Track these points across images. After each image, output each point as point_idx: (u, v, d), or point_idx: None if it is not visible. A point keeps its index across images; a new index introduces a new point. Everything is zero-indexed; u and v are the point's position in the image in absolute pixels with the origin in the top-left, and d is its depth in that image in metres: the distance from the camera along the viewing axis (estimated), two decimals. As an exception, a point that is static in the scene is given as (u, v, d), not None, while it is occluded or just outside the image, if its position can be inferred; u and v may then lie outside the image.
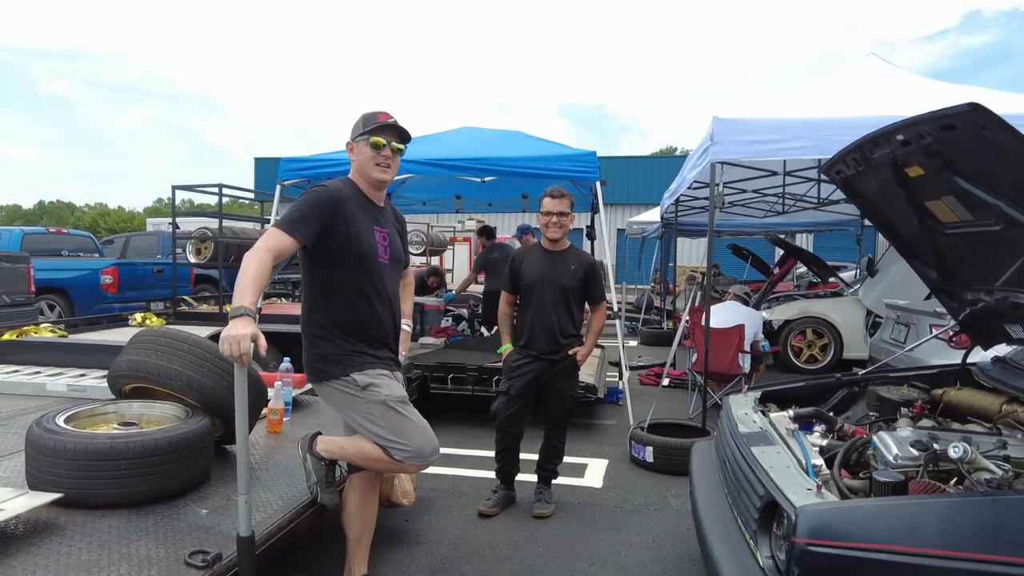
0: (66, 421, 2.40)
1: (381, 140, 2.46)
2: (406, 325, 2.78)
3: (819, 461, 2.20)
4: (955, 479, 1.98)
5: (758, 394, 3.07)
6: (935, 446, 2.11)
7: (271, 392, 3.29)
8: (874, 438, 2.30)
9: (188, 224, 13.69)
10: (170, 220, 10.12)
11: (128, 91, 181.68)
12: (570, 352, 3.64)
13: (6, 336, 4.80)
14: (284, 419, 3.36)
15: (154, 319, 8.19)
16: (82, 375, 3.90)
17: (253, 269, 2.12)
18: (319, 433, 2.63)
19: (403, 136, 2.54)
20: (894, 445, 2.19)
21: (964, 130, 1.78)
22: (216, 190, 8.49)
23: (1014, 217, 1.98)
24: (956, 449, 1.97)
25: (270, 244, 2.23)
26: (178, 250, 9.15)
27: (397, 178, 6.92)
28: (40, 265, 9.49)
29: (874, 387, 3.05)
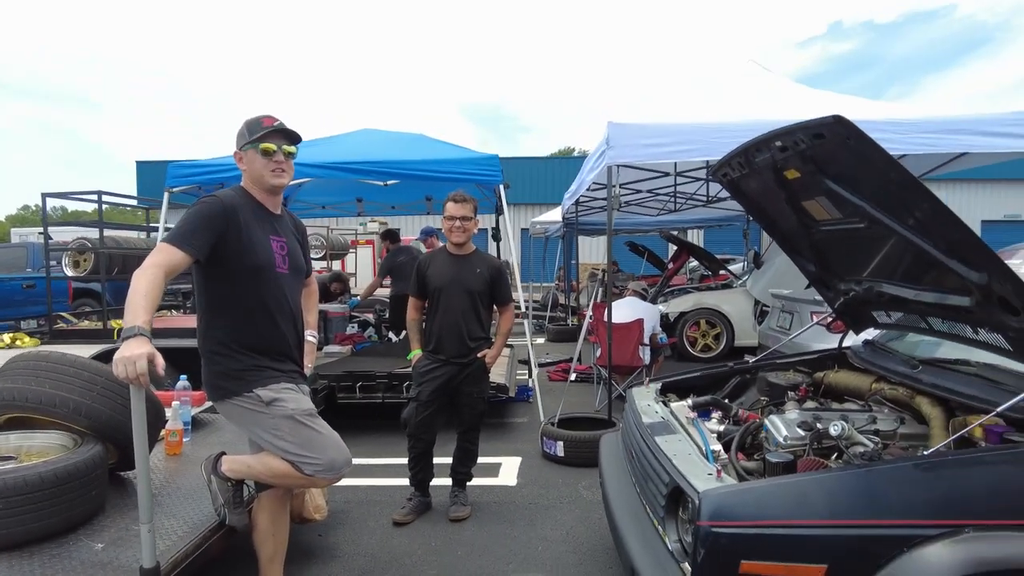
0: (-69, 460, 2.18)
1: (272, 146, 2.39)
2: (311, 336, 2.71)
3: (717, 447, 2.35)
4: (836, 454, 2.18)
5: (659, 385, 3.23)
6: (818, 426, 2.31)
7: (168, 412, 3.12)
8: (766, 421, 2.50)
9: (62, 234, 12.63)
10: (40, 230, 9.31)
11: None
12: (479, 355, 3.68)
13: None
14: (184, 440, 3.20)
15: (26, 339, 7.54)
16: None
17: (144, 287, 2.00)
18: (223, 453, 2.52)
19: (292, 138, 2.47)
20: (783, 427, 2.38)
21: (831, 138, 1.96)
22: (95, 198, 7.92)
23: (875, 216, 2.20)
24: (836, 427, 2.18)
25: (160, 260, 2.11)
26: (52, 263, 8.44)
27: (294, 182, 6.74)
28: None
29: (764, 373, 3.29)
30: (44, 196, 8.25)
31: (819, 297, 5.95)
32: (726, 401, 2.97)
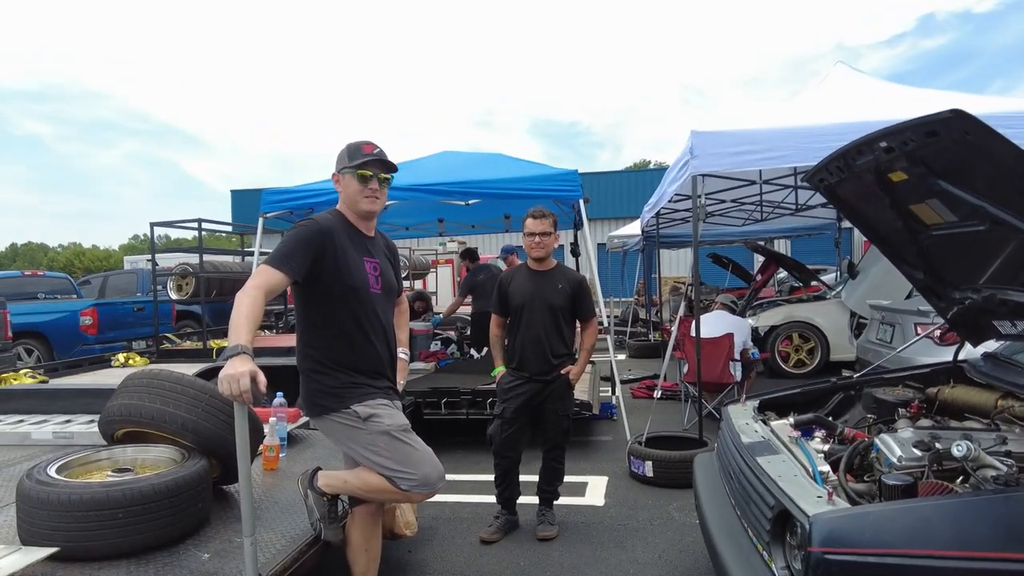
0: (58, 471, 2.33)
1: (368, 172, 2.47)
2: (403, 354, 2.76)
3: (826, 468, 2.20)
4: (960, 478, 1.99)
5: (756, 403, 3.08)
6: (937, 445, 2.13)
7: (266, 428, 3.24)
8: (876, 440, 2.32)
9: (167, 260, 13.54)
10: (148, 257, 10.00)
11: (101, 129, 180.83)
12: (562, 371, 3.63)
13: (-14, 385, 4.69)
14: (280, 455, 3.30)
15: (138, 359, 8.08)
16: (67, 421, 3.81)
17: (246, 307, 2.10)
18: (319, 468, 2.59)
19: (388, 167, 2.54)
20: (897, 447, 2.21)
21: (947, 135, 1.82)
22: (195, 225, 8.46)
23: (999, 216, 2.02)
24: (959, 448, 2.00)
25: (260, 281, 2.21)
26: (158, 287, 9.05)
27: (379, 205, 6.94)
28: (16, 309, 9.31)
29: (870, 389, 3.08)
30: (152, 225, 8.88)
31: (923, 307, 5.59)
32: (830, 419, 2.80)
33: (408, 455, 2.35)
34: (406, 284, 11.44)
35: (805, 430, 2.67)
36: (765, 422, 2.78)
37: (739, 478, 2.39)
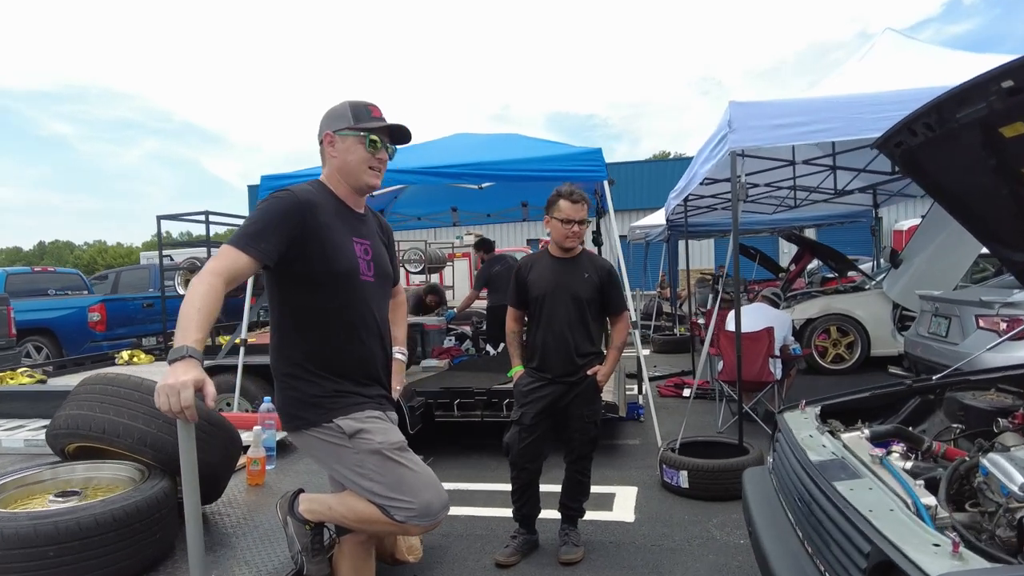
0: (-13, 497, 1.96)
1: (378, 139, 2.06)
2: (399, 354, 2.34)
3: (931, 500, 1.74)
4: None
5: (817, 409, 2.61)
6: (1074, 470, 1.67)
7: (249, 436, 2.85)
8: (983, 461, 1.86)
9: (181, 255, 13.29)
10: (164, 252, 9.73)
11: (123, 128, 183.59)
12: (589, 372, 3.19)
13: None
14: (267, 468, 2.91)
15: (142, 356, 7.78)
16: (44, 427, 3.46)
17: (199, 298, 1.68)
18: (301, 491, 2.18)
19: (401, 137, 2.15)
20: (1017, 471, 1.74)
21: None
22: (202, 218, 8.15)
23: None
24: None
25: (219, 266, 1.78)
26: (168, 282, 8.77)
27: (389, 190, 6.53)
28: (24, 306, 9.09)
29: (952, 393, 2.61)
30: (159, 218, 8.60)
31: (987, 298, 5.06)
32: (911, 430, 2.33)
33: (403, 479, 1.93)
34: (421, 278, 11.08)
35: (879, 443, 2.21)
36: (833, 434, 2.32)
37: (809, 506, 1.94)
